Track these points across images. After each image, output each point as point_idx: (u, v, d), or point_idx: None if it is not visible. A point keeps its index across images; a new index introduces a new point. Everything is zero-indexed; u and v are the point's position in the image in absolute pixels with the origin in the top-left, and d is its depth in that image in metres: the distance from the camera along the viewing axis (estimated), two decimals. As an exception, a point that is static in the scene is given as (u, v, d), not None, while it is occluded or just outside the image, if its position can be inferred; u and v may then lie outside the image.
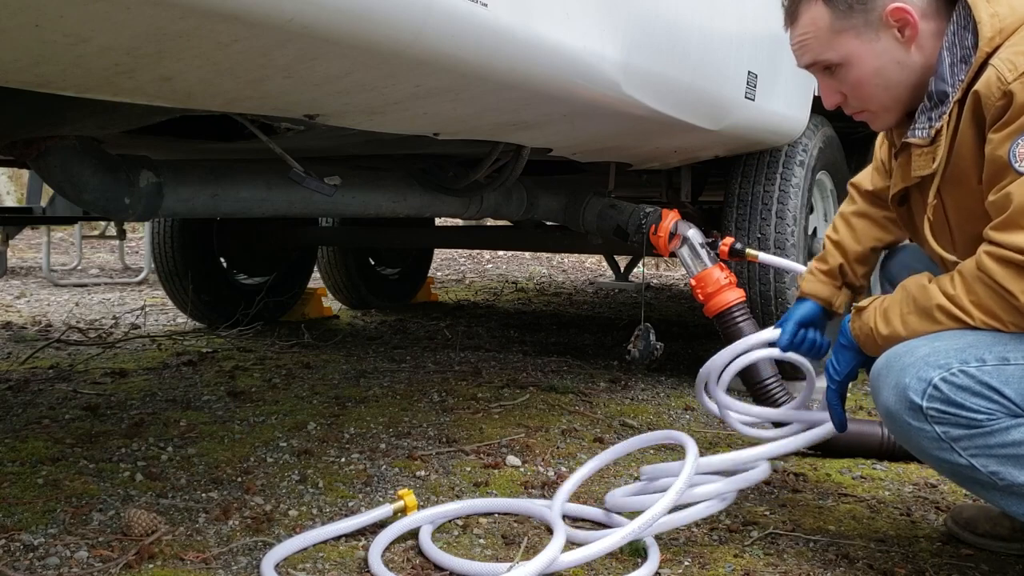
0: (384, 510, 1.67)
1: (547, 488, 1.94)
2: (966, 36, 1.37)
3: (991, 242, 1.30)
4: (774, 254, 2.75)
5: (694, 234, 2.45)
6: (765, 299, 2.85)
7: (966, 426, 1.29)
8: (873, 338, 1.45)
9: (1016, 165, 1.28)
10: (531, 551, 1.59)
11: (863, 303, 1.50)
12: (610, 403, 2.72)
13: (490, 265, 8.14)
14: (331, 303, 4.68)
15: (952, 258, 1.43)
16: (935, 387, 1.29)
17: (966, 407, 1.28)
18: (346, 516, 1.72)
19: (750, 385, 2.31)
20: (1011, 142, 1.28)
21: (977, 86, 1.32)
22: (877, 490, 2.01)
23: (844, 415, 1.61)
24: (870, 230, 1.80)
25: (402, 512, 1.68)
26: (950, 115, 1.38)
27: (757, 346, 2.00)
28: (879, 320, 1.44)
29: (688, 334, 4.16)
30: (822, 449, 2.24)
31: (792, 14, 1.52)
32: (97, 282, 6.11)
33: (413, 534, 1.64)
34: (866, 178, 1.82)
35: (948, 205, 1.45)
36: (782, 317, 1.86)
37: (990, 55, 1.32)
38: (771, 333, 1.92)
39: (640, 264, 5.75)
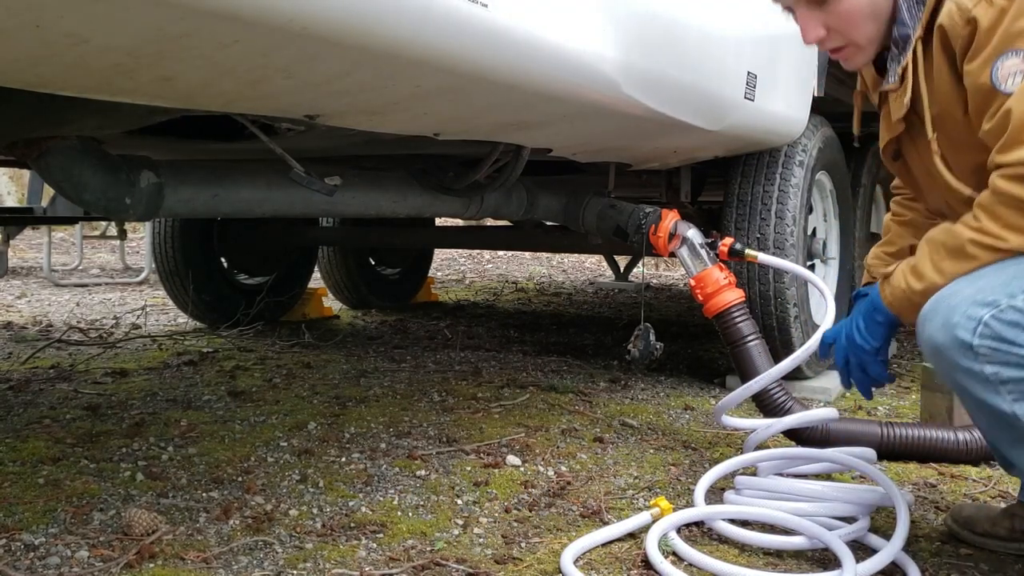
0: (643, 517, 1.70)
1: (551, 488, 1.94)
2: None
3: (999, 166, 1.30)
4: (773, 254, 2.75)
5: (694, 234, 2.45)
6: (765, 299, 2.85)
7: (1017, 365, 1.26)
8: (908, 297, 1.42)
9: (1002, 87, 1.28)
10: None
11: (887, 270, 1.47)
12: (610, 403, 2.72)
13: (490, 265, 8.14)
14: (331, 303, 4.68)
15: (967, 191, 1.42)
16: (985, 324, 1.26)
17: (1018, 343, 1.26)
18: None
19: (754, 395, 2.31)
20: (990, 67, 1.29)
21: (940, 20, 1.34)
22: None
23: (886, 372, 1.55)
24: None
25: (659, 518, 1.70)
26: (914, 52, 1.41)
27: (774, 379, 2.14)
28: (911, 278, 1.41)
29: (688, 334, 4.16)
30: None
31: None
32: (98, 282, 6.11)
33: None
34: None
35: (941, 143, 1.45)
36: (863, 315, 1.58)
37: None
38: (786, 366, 2.08)
39: (640, 264, 5.75)
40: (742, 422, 2.18)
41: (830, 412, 2.09)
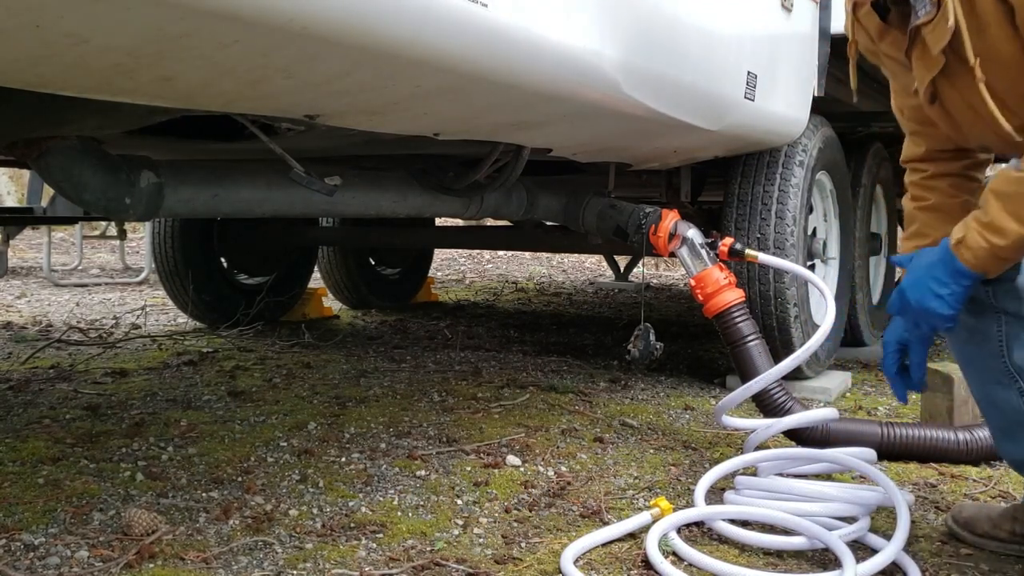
0: (643, 517, 1.70)
1: (550, 488, 1.94)
2: None
3: None
4: (773, 254, 2.75)
5: (694, 234, 2.45)
6: (765, 299, 2.85)
7: None
8: (994, 255, 1.39)
9: None
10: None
11: (957, 235, 1.44)
12: (610, 403, 2.72)
13: (490, 265, 8.14)
14: (331, 303, 4.68)
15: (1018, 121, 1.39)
16: None
17: None
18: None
19: (754, 395, 2.31)
20: None
21: None
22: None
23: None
24: (959, 183, 1.69)
25: (659, 518, 1.70)
26: None
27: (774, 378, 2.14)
28: (990, 236, 1.38)
29: (688, 334, 4.16)
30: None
31: None
32: (98, 282, 6.11)
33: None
34: (912, 147, 1.74)
35: (985, 69, 1.41)
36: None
37: None
38: (786, 366, 2.08)
39: (640, 264, 5.75)
40: (742, 422, 2.18)
41: (830, 412, 2.09)
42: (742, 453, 2.08)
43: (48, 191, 3.87)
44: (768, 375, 2.15)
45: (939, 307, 1.48)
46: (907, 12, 1.47)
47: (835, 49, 2.92)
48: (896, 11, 1.52)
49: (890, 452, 2.17)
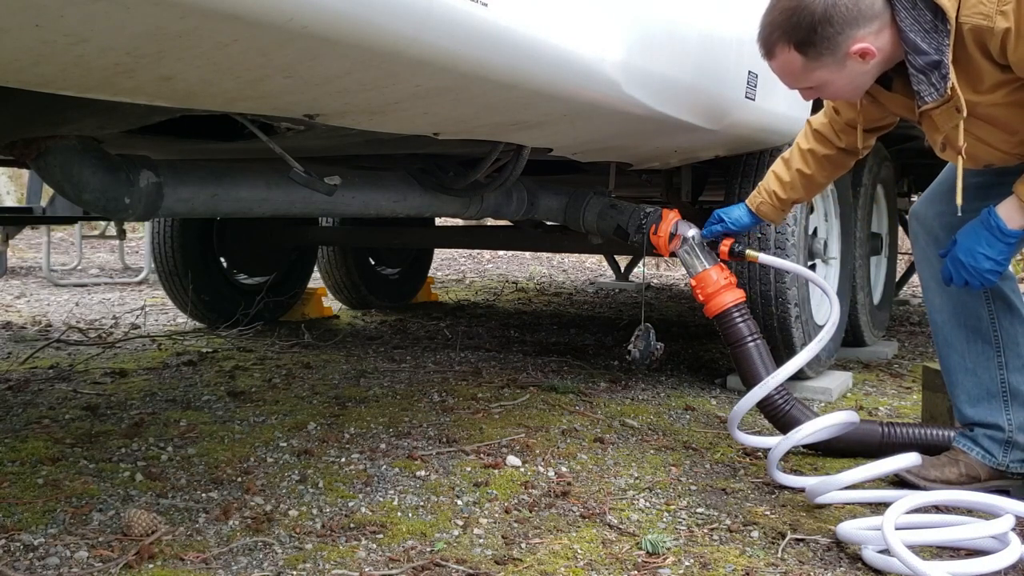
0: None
1: (551, 488, 1.94)
2: (923, 13, 1.58)
3: None
4: (774, 254, 2.74)
5: (695, 234, 2.45)
6: (765, 299, 2.85)
7: None
8: None
9: None
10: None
11: (1005, 210, 1.67)
12: (610, 403, 2.71)
13: (490, 265, 8.13)
14: (331, 303, 4.68)
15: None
16: None
17: None
18: (346, 515, 1.72)
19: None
20: None
21: (970, 27, 1.54)
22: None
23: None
24: (834, 170, 2.13)
25: None
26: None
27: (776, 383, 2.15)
28: None
29: (688, 334, 4.16)
30: (822, 449, 2.24)
31: (768, 50, 1.72)
32: (97, 282, 6.11)
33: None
34: (829, 119, 2.06)
35: (995, 116, 1.67)
36: (719, 215, 2.32)
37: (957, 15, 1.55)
38: (791, 369, 2.12)
39: (640, 264, 5.75)
40: (762, 440, 2.17)
41: (848, 416, 2.04)
42: (767, 468, 2.03)
43: (47, 191, 3.87)
44: (777, 376, 2.14)
45: (991, 259, 1.69)
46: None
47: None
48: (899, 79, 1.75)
49: (891, 452, 2.16)
